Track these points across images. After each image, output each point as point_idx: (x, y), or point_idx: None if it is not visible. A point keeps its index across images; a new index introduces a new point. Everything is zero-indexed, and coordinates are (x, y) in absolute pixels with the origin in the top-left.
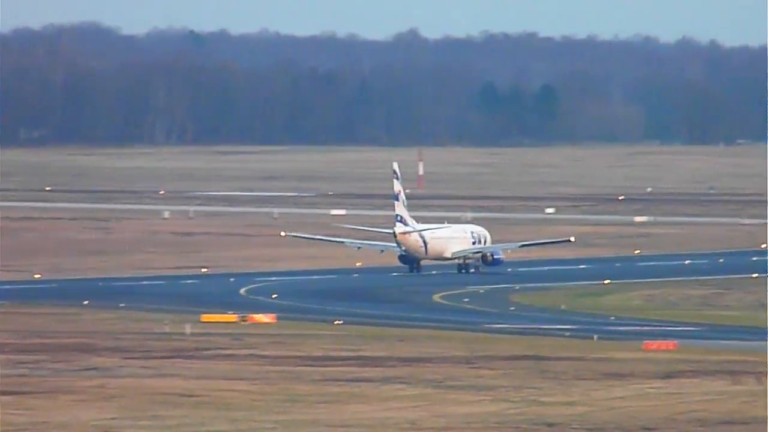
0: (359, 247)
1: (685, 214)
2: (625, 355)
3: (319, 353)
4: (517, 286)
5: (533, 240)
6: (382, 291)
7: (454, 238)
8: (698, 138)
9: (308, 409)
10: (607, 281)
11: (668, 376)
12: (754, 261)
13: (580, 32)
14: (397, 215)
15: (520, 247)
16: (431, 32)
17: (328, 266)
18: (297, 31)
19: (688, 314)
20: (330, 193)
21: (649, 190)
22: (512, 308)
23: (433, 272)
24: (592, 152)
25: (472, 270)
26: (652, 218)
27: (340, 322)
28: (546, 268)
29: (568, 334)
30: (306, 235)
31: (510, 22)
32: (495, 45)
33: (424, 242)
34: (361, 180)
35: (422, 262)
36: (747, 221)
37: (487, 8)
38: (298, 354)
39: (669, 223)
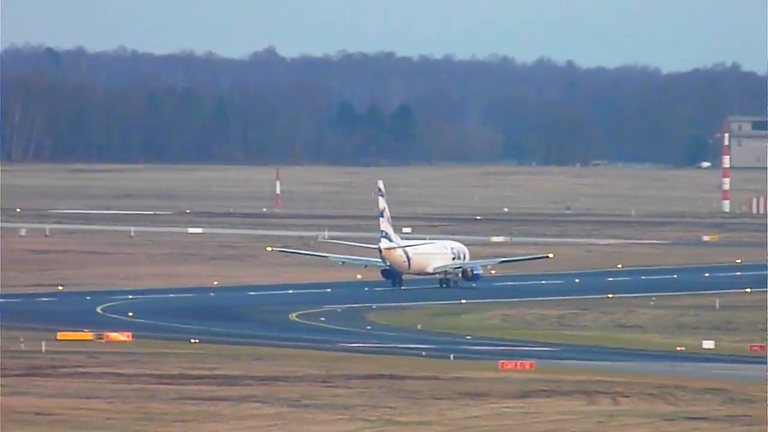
0: (343, 263)
1: (541, 235)
2: (481, 375)
3: (176, 371)
4: (374, 306)
5: (512, 257)
6: (239, 309)
7: (435, 254)
8: (555, 158)
9: (164, 427)
10: (463, 300)
11: (524, 395)
12: (610, 281)
13: (438, 52)
14: (382, 231)
15: (500, 263)
16: (288, 51)
17: (185, 284)
18: (154, 49)
19: (545, 334)
20: (187, 211)
21: (505, 210)
22: (368, 327)
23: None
24: (449, 172)
25: (452, 285)
26: (508, 238)
27: (197, 340)
28: (403, 288)
29: (424, 353)
30: (291, 250)
31: (367, 42)
32: (352, 64)
33: (408, 258)
34: (218, 199)
35: (404, 277)
36: (602, 242)
37: (345, 28)
38: (154, 372)
39: (525, 243)
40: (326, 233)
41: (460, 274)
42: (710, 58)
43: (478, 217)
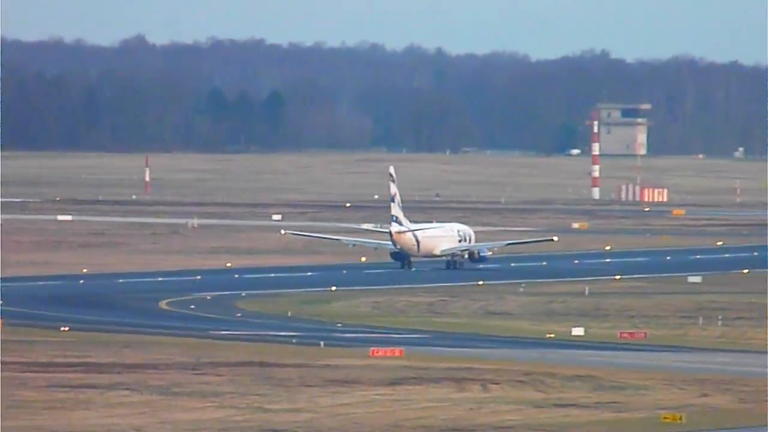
0: (354, 245)
1: (411, 221)
2: (352, 362)
3: (45, 359)
4: (244, 293)
5: (518, 240)
6: (109, 297)
7: (443, 236)
8: (425, 146)
9: (33, 415)
10: (333, 288)
11: (394, 382)
12: (480, 268)
13: (308, 39)
14: (392, 216)
15: (506, 245)
16: (158, 38)
17: (55, 272)
18: (23, 36)
19: (415, 321)
20: (57, 199)
21: (375, 197)
22: (239, 315)
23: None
24: (318, 159)
25: (459, 266)
26: (378, 225)
27: (67, 328)
28: (273, 275)
29: (294, 341)
30: (305, 233)
31: (237, 29)
32: (222, 51)
33: (417, 241)
34: (88, 186)
35: (413, 259)
36: (473, 229)
37: (214, 14)
38: (24, 360)
39: None
40: (195, 221)
41: (466, 256)
42: (579, 46)
43: (348, 204)
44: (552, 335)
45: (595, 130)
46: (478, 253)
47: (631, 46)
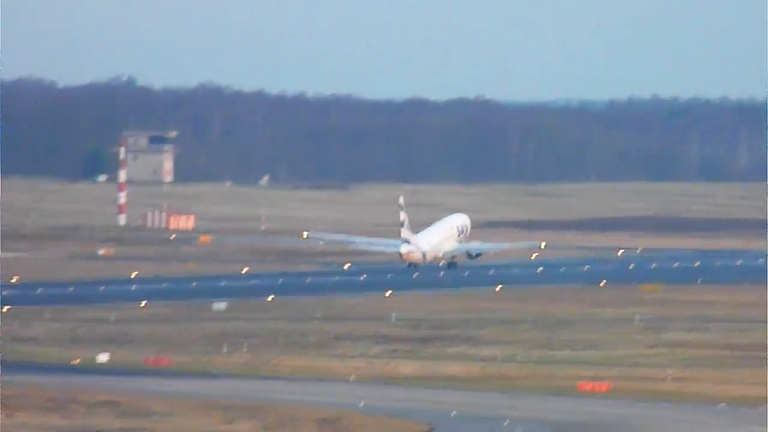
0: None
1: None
2: None
3: None
4: None
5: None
6: None
7: (444, 239)
8: None
9: None
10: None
11: None
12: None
13: None
14: (403, 239)
15: (502, 250)
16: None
17: None
18: None
19: None
20: None
21: None
22: None
23: None
24: None
25: (458, 266)
26: None
27: None
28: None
29: None
30: (327, 236)
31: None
32: None
33: (423, 255)
34: None
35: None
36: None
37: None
38: None
39: None
40: None
41: (465, 256)
42: (106, 72)
43: None
44: (78, 361)
45: (122, 156)
46: (475, 252)
47: (159, 74)
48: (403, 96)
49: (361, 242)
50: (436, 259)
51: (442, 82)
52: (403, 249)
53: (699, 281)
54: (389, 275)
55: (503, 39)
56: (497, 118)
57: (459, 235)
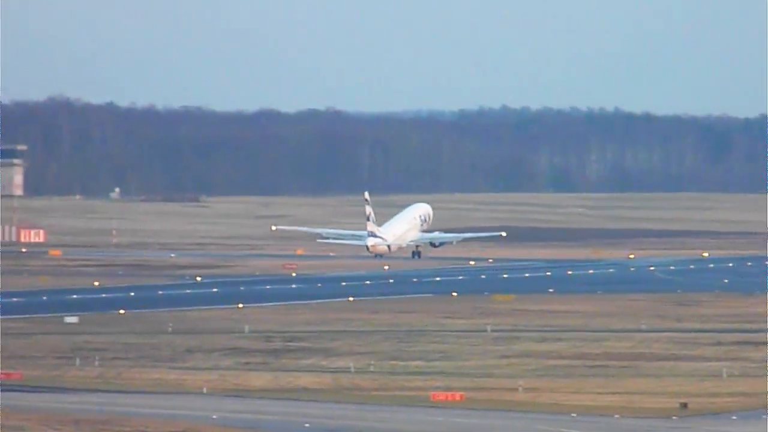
0: (328, 239)
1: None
2: None
3: None
4: None
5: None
6: None
7: (408, 230)
8: None
9: None
10: None
11: None
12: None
13: None
14: (369, 231)
15: (463, 239)
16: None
17: None
18: None
19: None
20: None
21: None
22: None
23: None
24: None
25: (421, 256)
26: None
27: None
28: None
29: None
30: (291, 227)
31: None
32: None
33: (388, 246)
34: None
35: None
36: None
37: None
38: None
39: None
40: None
41: (428, 244)
42: None
43: None
44: None
45: None
46: (438, 241)
47: (7, 87)
48: (253, 108)
49: (329, 234)
50: (400, 248)
51: (293, 94)
52: (370, 242)
53: (550, 291)
54: (241, 287)
55: (352, 50)
56: (348, 130)
57: (422, 225)
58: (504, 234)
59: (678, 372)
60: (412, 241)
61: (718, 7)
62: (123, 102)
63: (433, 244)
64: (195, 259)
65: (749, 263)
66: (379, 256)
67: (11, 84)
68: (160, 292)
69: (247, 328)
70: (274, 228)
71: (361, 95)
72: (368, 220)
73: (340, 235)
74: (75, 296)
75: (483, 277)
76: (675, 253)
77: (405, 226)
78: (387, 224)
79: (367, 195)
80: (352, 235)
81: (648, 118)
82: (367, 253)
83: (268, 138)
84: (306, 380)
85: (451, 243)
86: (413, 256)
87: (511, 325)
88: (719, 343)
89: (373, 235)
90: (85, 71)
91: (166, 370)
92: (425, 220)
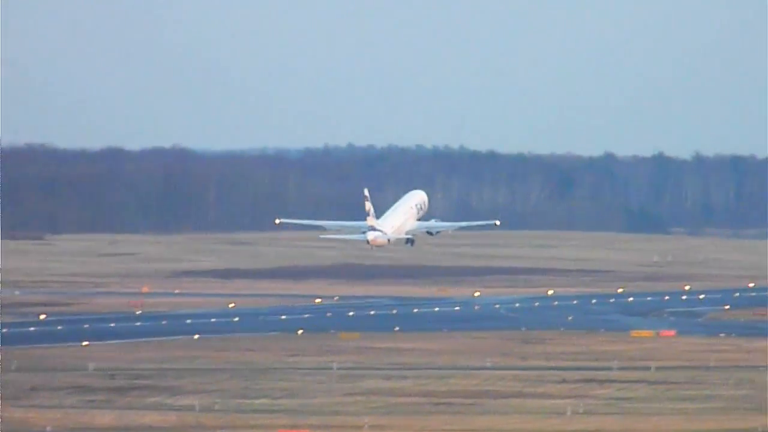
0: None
1: None
2: None
3: None
4: None
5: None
6: None
7: (405, 220)
8: None
9: None
10: None
11: None
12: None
13: None
14: (369, 226)
15: (459, 228)
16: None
17: None
18: None
19: None
20: None
21: None
22: None
23: None
24: None
25: (415, 243)
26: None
27: None
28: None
29: None
30: (296, 221)
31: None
32: None
33: (388, 239)
34: None
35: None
36: None
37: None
38: None
39: None
40: None
41: (425, 233)
42: None
43: None
44: None
45: None
46: (434, 230)
47: None
48: (97, 145)
49: (331, 227)
50: (398, 239)
51: (138, 131)
52: (370, 236)
53: (396, 329)
54: (86, 325)
55: (199, 88)
56: (194, 167)
57: (418, 213)
58: (498, 222)
59: (523, 409)
60: (409, 230)
61: (552, 47)
62: None
63: (429, 233)
64: (39, 296)
65: (594, 300)
66: (378, 247)
67: None
68: (5, 330)
69: (91, 365)
70: (277, 221)
71: (206, 133)
72: (368, 215)
73: (341, 226)
74: None
75: (329, 314)
76: (520, 291)
77: (402, 216)
78: (385, 216)
79: (366, 192)
80: (353, 229)
81: (493, 156)
82: (366, 247)
83: (113, 176)
84: (151, 418)
85: (448, 231)
86: (407, 243)
87: (357, 362)
88: (564, 381)
89: (373, 228)
90: None
91: (11, 408)
92: (421, 208)
